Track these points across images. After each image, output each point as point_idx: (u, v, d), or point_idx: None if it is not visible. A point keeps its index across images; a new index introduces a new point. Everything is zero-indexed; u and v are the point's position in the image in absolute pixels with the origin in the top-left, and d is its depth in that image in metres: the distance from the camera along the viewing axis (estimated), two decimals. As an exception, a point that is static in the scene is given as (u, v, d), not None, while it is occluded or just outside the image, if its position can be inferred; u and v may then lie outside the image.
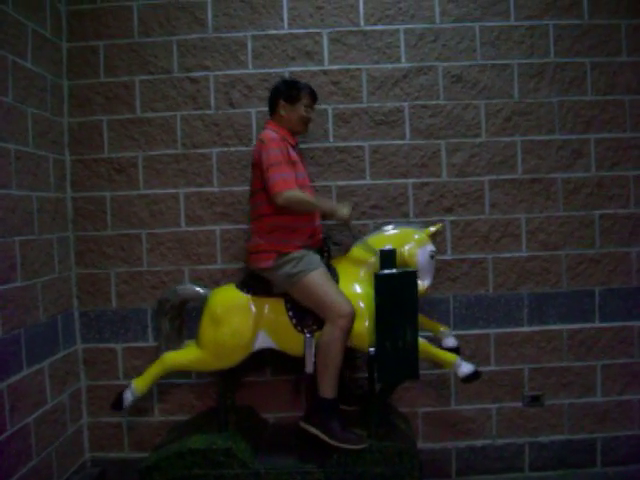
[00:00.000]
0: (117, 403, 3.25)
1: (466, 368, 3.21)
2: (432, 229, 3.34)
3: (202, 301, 3.32)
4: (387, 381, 3.13)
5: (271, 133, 3.16)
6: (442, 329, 3.44)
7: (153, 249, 3.78)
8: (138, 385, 3.24)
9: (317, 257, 3.19)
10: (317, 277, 3.07)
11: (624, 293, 3.81)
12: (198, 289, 3.39)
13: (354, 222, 3.57)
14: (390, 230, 3.35)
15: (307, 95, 3.29)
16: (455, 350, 3.35)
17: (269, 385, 3.80)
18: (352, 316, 3.01)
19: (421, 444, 3.73)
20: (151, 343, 3.74)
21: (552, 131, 3.81)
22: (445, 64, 3.78)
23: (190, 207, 3.78)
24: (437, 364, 3.37)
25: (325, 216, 3.35)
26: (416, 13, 3.77)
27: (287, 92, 3.27)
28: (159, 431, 3.74)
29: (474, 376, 3.23)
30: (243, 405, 3.68)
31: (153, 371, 3.25)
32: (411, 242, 3.26)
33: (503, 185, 3.79)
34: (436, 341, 3.38)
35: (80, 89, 3.78)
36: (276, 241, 3.15)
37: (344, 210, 3.19)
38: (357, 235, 3.30)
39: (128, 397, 3.23)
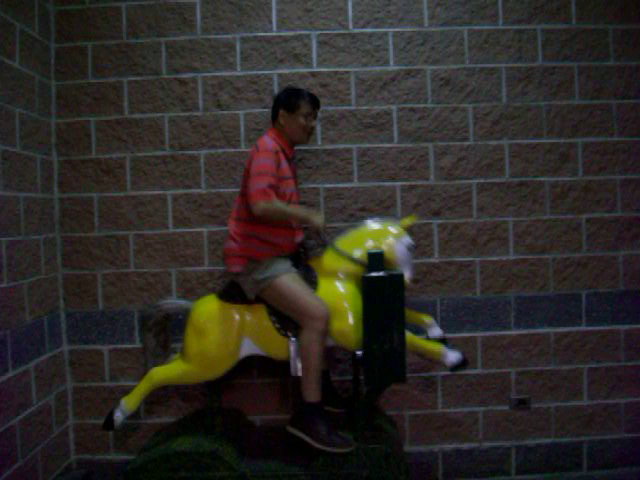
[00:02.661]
0: (108, 423, 3.22)
1: (454, 357, 3.22)
2: (407, 221, 3.34)
3: (185, 314, 3.32)
4: (374, 384, 3.13)
5: (268, 142, 3.14)
6: (426, 320, 3.42)
7: (140, 250, 3.77)
8: (128, 403, 3.22)
9: (286, 263, 3.19)
10: (285, 282, 3.08)
11: (611, 297, 3.83)
12: (180, 302, 3.41)
13: (343, 225, 3.64)
14: (367, 226, 3.34)
15: (307, 103, 3.26)
16: (442, 340, 3.35)
17: (256, 388, 3.79)
18: (326, 317, 3.02)
19: (408, 447, 3.74)
20: (137, 345, 3.73)
21: (540, 135, 3.82)
22: (433, 67, 3.79)
23: (178, 209, 3.77)
24: (424, 356, 3.34)
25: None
26: (405, 16, 3.78)
27: (286, 101, 3.25)
28: (145, 433, 3.73)
29: (462, 364, 3.24)
30: (230, 408, 3.68)
31: (142, 388, 3.24)
32: (388, 236, 3.26)
33: (491, 188, 3.81)
34: (422, 332, 3.39)
35: (68, 90, 3.77)
36: (250, 247, 3.16)
37: (318, 219, 3.14)
38: (330, 242, 3.28)
39: (119, 416, 3.21)
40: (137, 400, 3.24)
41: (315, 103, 3.32)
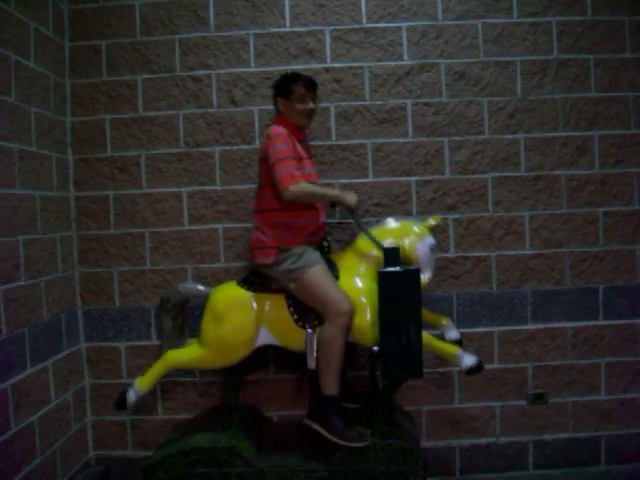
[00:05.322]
0: (120, 402, 3.23)
1: (469, 360, 3.22)
2: (432, 222, 3.33)
3: (204, 299, 3.32)
4: (391, 379, 3.12)
5: (278, 128, 3.16)
6: (444, 321, 3.42)
7: (156, 248, 3.79)
8: (141, 384, 3.23)
9: (317, 254, 3.19)
10: (316, 274, 3.08)
11: (628, 291, 3.80)
12: (200, 287, 3.40)
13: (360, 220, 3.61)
14: (390, 224, 3.34)
15: (300, 87, 3.21)
16: (458, 342, 3.35)
17: (272, 383, 3.79)
18: (351, 313, 3.02)
19: (425, 442, 3.73)
20: (154, 342, 3.74)
21: (555, 128, 3.79)
22: (448, 61, 3.78)
23: (193, 206, 3.78)
24: (440, 357, 3.36)
25: (333, 205, 3.33)
26: (418, 10, 3.76)
27: (279, 88, 3.26)
28: (163, 429, 3.74)
29: (477, 368, 3.23)
30: (247, 403, 3.68)
31: (156, 370, 3.25)
32: (411, 235, 3.25)
33: (506, 182, 3.79)
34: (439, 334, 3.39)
35: (83, 88, 3.79)
36: (278, 236, 3.16)
37: (351, 197, 3.19)
38: (362, 224, 3.27)
39: (131, 396, 3.22)
40: (150, 381, 3.25)
41: (309, 85, 3.25)
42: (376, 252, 3.20)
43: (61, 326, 3.56)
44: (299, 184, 3.04)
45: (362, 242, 3.29)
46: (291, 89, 3.21)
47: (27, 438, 3.13)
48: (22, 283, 3.17)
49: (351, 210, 3.20)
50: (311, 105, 3.27)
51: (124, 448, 3.82)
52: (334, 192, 3.26)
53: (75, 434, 3.64)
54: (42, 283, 3.38)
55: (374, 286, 3.12)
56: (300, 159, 3.17)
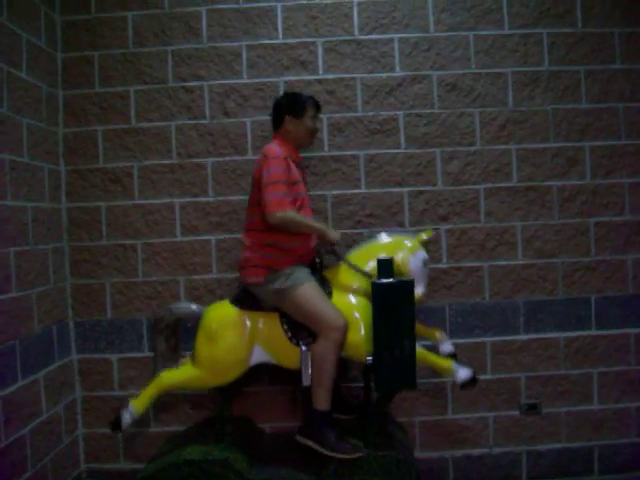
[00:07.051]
0: (116, 424, 3.20)
1: (463, 374, 3.19)
2: (424, 236, 3.33)
3: (197, 319, 3.31)
4: (384, 390, 3.12)
5: (276, 149, 3.13)
6: (438, 335, 3.42)
7: (148, 259, 3.78)
8: (136, 406, 3.20)
9: (307, 271, 3.18)
10: (307, 291, 3.07)
11: (620, 301, 3.81)
12: (192, 307, 3.38)
13: (351, 231, 3.70)
14: (382, 239, 3.34)
15: (311, 106, 3.29)
16: (452, 356, 3.34)
17: (266, 395, 3.78)
18: (344, 328, 3.01)
19: (418, 453, 3.72)
20: (146, 353, 3.73)
21: (547, 139, 3.81)
22: (439, 73, 3.79)
23: (185, 217, 3.77)
24: (434, 371, 3.35)
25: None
26: (410, 22, 3.79)
27: (292, 106, 3.26)
28: (155, 442, 3.71)
29: (471, 381, 3.22)
30: (240, 415, 3.67)
31: (150, 391, 3.22)
32: (403, 250, 3.25)
33: (498, 193, 3.80)
34: (433, 347, 3.37)
35: (75, 99, 3.78)
36: (268, 256, 3.15)
37: (334, 234, 3.20)
38: (346, 259, 3.26)
39: (126, 418, 3.18)
40: (145, 403, 3.22)
41: (318, 105, 3.35)
42: (361, 282, 3.21)
43: (52, 338, 3.54)
44: (285, 211, 3.02)
45: (355, 258, 3.28)
46: (305, 108, 3.26)
47: (18, 451, 3.11)
48: (13, 295, 3.16)
49: (332, 245, 3.20)
50: (318, 125, 3.37)
51: (116, 461, 3.79)
52: (318, 225, 3.20)
53: (66, 447, 3.62)
54: (33, 295, 3.36)
55: (367, 302, 3.12)
56: (294, 183, 3.15)
